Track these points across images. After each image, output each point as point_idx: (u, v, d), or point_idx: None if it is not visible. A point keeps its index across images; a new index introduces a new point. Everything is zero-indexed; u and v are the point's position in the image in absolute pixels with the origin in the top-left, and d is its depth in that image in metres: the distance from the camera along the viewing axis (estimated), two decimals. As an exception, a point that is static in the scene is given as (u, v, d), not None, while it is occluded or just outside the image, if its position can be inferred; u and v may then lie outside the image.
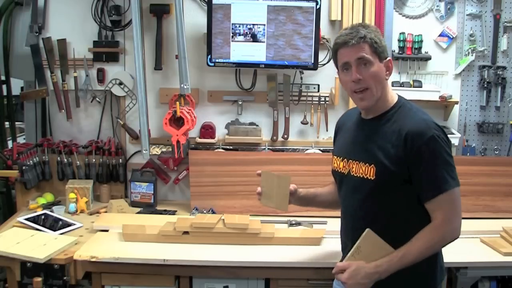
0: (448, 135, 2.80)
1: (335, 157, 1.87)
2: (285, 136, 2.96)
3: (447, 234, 1.64)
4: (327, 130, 2.96)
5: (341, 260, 1.88)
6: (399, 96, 1.77)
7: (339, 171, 1.82)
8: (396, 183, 1.66)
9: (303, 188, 2.01)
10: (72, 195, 2.73)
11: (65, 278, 2.14)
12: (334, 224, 2.12)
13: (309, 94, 2.93)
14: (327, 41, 2.85)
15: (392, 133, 1.66)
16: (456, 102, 2.91)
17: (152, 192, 2.87)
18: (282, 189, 1.90)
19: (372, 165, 1.67)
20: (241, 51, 2.75)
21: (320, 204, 2.09)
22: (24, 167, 2.73)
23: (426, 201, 1.64)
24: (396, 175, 1.64)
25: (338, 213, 1.91)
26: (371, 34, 1.67)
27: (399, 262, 1.63)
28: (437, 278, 1.74)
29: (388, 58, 1.71)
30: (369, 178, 1.68)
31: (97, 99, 2.93)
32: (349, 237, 1.78)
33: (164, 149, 2.93)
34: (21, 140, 3.21)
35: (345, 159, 1.79)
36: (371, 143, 1.71)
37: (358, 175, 1.72)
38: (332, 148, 1.99)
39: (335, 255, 1.98)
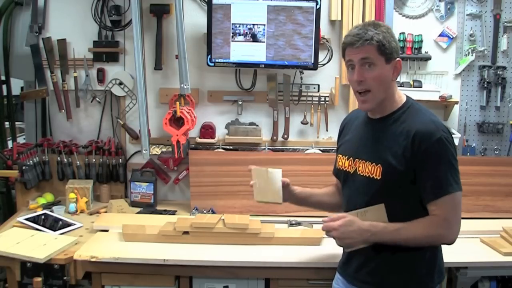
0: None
1: (340, 155, 1.86)
2: (285, 136, 2.95)
3: (443, 234, 1.63)
4: (327, 130, 2.96)
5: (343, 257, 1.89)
6: (407, 96, 1.75)
7: (344, 169, 1.82)
8: (402, 184, 1.65)
9: (301, 187, 2.01)
10: (72, 195, 2.73)
11: (65, 278, 2.14)
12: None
13: (309, 94, 2.93)
14: (327, 41, 2.85)
15: (400, 134, 1.65)
16: (456, 102, 2.91)
17: (152, 192, 2.87)
18: (274, 182, 1.90)
19: (379, 164, 1.67)
20: (241, 51, 2.75)
21: (316, 205, 2.06)
22: (24, 167, 2.73)
23: (428, 202, 1.63)
24: (402, 176, 1.63)
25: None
26: (380, 36, 1.63)
27: (391, 234, 1.64)
28: (435, 279, 1.73)
29: (396, 59, 1.68)
30: (375, 177, 1.67)
31: (97, 99, 2.93)
32: None
33: (164, 149, 2.93)
34: (21, 140, 3.21)
35: (351, 158, 1.79)
36: (378, 143, 1.70)
37: (364, 175, 1.71)
38: (336, 147, 1.98)
39: (335, 255, 1.98)
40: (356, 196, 1.76)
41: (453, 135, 2.79)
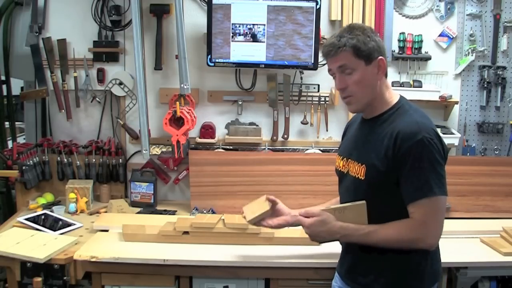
0: (448, 135, 2.86)
1: (338, 155, 1.88)
2: (285, 136, 2.96)
3: (419, 238, 1.60)
4: (327, 130, 2.96)
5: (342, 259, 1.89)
6: (400, 96, 1.74)
7: (340, 169, 1.84)
8: (385, 185, 1.64)
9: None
10: (72, 195, 2.73)
11: (65, 278, 2.14)
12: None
13: (309, 94, 2.93)
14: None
15: (385, 134, 1.64)
16: (456, 102, 2.91)
17: (152, 192, 2.87)
18: (259, 200, 2.00)
19: (364, 165, 1.67)
20: (241, 51, 2.75)
21: None
22: (24, 167, 2.73)
23: (408, 203, 1.61)
24: (385, 176, 1.62)
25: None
26: (353, 40, 1.62)
27: (361, 237, 1.65)
28: (425, 282, 1.70)
29: (378, 58, 1.65)
30: (360, 178, 1.68)
31: (97, 99, 2.93)
32: None
33: (164, 149, 2.93)
34: (21, 140, 3.21)
35: (345, 159, 1.80)
36: (366, 143, 1.71)
37: (352, 175, 1.72)
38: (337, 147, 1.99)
39: (334, 255, 1.97)
40: (347, 196, 1.77)
41: (453, 135, 2.85)
